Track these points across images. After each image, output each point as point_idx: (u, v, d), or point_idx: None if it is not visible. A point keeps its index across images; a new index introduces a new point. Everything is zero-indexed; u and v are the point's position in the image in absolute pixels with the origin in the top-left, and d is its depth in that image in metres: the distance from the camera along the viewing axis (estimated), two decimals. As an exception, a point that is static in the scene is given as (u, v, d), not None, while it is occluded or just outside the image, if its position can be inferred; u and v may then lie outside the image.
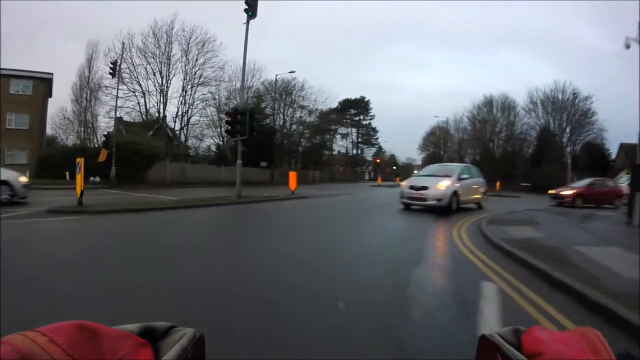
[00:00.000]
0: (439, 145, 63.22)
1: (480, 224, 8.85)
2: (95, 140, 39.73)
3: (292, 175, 19.87)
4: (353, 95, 58.80)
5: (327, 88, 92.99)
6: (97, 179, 24.32)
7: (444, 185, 12.14)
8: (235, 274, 4.48)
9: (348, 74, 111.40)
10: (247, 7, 14.54)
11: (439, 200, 11.91)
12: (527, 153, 55.12)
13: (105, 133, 27.76)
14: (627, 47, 16.27)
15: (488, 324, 3.01)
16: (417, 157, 73.39)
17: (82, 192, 10.30)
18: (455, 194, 12.26)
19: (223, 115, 35.21)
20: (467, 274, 4.75)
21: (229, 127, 15.37)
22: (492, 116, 55.80)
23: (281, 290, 3.94)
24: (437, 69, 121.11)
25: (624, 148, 46.56)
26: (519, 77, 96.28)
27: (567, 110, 51.35)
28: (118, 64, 26.62)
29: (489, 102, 55.42)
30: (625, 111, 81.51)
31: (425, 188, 12.20)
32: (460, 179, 12.87)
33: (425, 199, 12.11)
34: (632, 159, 43.65)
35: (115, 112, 30.10)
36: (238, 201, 14.00)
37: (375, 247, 6.59)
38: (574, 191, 19.67)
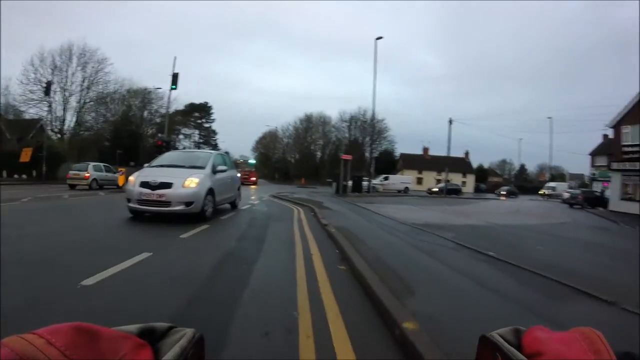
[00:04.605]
0: (269, 148, 77.71)
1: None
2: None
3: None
4: (197, 92, 67.56)
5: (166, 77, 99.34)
6: (24, 176, 30.48)
7: (194, 180, 9.22)
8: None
9: (198, 63, 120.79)
10: (173, 83, 25.75)
11: (188, 204, 8.97)
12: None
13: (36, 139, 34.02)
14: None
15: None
16: (251, 157, 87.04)
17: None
18: (211, 192, 9.75)
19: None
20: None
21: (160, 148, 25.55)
22: (311, 127, 73.33)
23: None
24: (281, 69, 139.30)
25: (402, 157, 68.56)
26: (356, 85, 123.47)
27: (366, 129, 71.24)
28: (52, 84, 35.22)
29: (309, 118, 73.46)
30: (412, 129, 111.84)
31: (167, 186, 8.95)
32: (215, 172, 10.38)
33: (167, 203, 8.89)
34: (406, 164, 65.12)
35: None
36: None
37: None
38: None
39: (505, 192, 52.00)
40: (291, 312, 3.49)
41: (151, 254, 5.39)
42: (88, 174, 21.97)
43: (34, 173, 30.68)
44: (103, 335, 0.38)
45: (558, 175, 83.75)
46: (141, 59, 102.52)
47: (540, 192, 54.86)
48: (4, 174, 29.92)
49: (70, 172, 22.59)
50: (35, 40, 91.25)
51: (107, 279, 4.13)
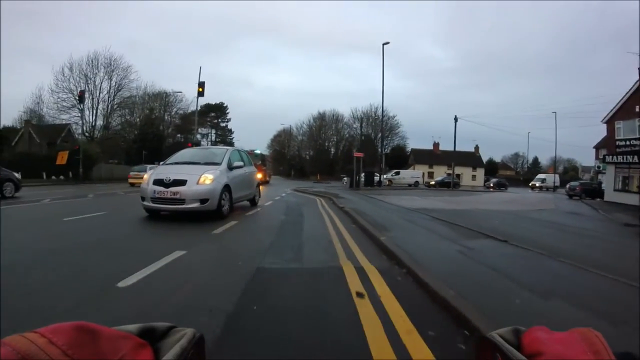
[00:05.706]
0: (284, 145, 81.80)
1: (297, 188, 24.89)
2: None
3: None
4: (209, 92, 71.42)
5: (177, 76, 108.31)
6: (62, 177, 34.18)
7: (209, 177, 9.19)
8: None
9: (197, 62, 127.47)
10: (200, 91, 29.50)
11: (203, 201, 8.95)
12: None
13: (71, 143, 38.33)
14: None
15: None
16: (266, 153, 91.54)
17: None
18: (227, 189, 9.71)
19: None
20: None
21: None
22: (325, 124, 77.34)
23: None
24: (289, 67, 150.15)
25: (414, 152, 71.89)
26: (365, 80, 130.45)
27: (378, 125, 75.09)
28: (85, 92, 39.26)
29: (322, 116, 77.64)
30: (424, 124, 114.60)
31: (181, 183, 8.92)
32: (232, 168, 10.41)
33: (181, 201, 8.83)
34: (417, 159, 68.52)
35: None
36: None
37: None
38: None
39: (492, 184, 55.88)
40: (328, 238, 7.37)
41: (237, 221, 9.34)
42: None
43: (70, 174, 34.29)
44: (103, 335, 0.40)
45: (571, 168, 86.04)
46: (155, 62, 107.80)
47: (530, 184, 57.91)
48: (44, 175, 33.32)
49: (131, 172, 28.05)
50: (59, 52, 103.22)
51: (226, 230, 8.11)
